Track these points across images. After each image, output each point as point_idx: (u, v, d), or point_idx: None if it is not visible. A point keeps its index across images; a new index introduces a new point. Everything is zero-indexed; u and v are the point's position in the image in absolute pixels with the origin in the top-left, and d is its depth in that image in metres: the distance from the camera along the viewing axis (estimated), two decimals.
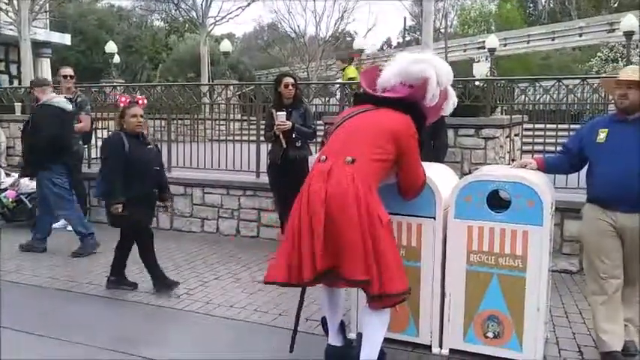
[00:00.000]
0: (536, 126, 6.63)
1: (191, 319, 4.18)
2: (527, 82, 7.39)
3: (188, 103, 8.13)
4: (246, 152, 7.11)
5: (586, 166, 3.58)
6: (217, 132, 8.83)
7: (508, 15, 39.82)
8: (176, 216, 7.12)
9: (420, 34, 13.03)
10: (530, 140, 6.45)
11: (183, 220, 7.09)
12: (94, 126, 7.68)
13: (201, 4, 23.83)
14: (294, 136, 5.42)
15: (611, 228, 3.33)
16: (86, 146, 7.55)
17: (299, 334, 3.85)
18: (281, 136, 5.34)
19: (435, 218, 3.43)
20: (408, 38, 34.75)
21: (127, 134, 4.65)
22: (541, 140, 6.18)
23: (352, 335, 3.63)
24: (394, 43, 45.08)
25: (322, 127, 6.36)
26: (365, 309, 3.14)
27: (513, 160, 5.94)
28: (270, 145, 5.75)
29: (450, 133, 6.06)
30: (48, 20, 21.05)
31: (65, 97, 7.00)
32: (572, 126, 7.09)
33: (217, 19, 24.10)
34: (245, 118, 9.66)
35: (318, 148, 6.08)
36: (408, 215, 3.46)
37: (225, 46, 20.36)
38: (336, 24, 29.11)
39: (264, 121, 6.03)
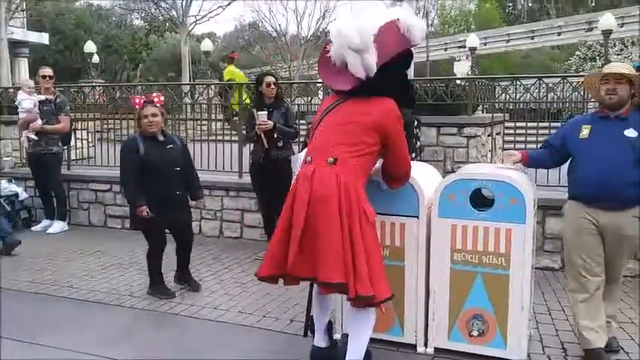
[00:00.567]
0: (518, 124, 6.70)
1: (175, 322, 4.13)
2: (507, 80, 7.43)
3: (169, 103, 8.05)
4: (228, 152, 7.06)
5: (567, 163, 3.59)
6: (199, 132, 8.78)
7: (487, 14, 40.17)
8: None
9: None
10: (511, 138, 6.51)
11: None
12: (73, 127, 7.58)
13: (182, 3, 23.65)
14: (275, 135, 5.39)
15: (593, 226, 3.32)
16: (65, 147, 7.45)
17: (284, 335, 3.85)
18: (262, 135, 5.31)
19: (418, 217, 3.43)
20: None
21: (144, 136, 4.56)
22: (522, 138, 6.23)
23: (337, 336, 3.62)
24: None
25: (305, 127, 6.34)
26: (350, 309, 3.13)
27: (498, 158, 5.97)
28: (252, 145, 5.72)
29: (433, 131, 6.08)
30: (25, 19, 20.75)
31: (45, 98, 6.93)
32: (552, 124, 7.18)
33: (198, 18, 23.94)
34: (227, 117, 9.60)
35: (300, 147, 6.06)
36: (392, 215, 3.45)
37: (206, 45, 20.19)
38: (317, 23, 29.08)
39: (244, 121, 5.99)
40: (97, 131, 9.00)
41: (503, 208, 3.30)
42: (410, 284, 3.49)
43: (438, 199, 3.42)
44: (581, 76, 3.69)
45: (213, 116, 9.61)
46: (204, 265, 5.58)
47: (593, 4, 35.84)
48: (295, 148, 5.99)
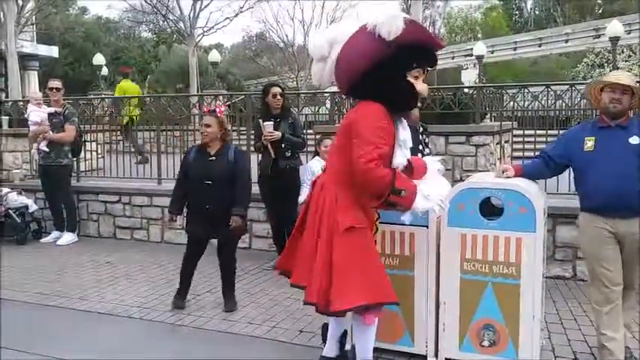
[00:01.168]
0: (526, 132, 6.66)
1: (183, 333, 4.12)
2: (515, 88, 7.42)
3: (177, 114, 8.10)
4: None
5: (567, 171, 3.56)
6: None
7: (494, 22, 40.17)
8: (167, 228, 7.05)
9: None
10: (520, 146, 6.47)
11: (174, 233, 7.02)
12: (83, 138, 7.62)
13: (189, 15, 23.83)
14: (283, 146, 5.40)
15: (611, 235, 3.30)
16: (75, 159, 7.49)
17: (293, 346, 3.83)
18: (269, 146, 5.32)
19: (427, 227, 3.41)
20: None
21: (200, 146, 4.58)
22: (531, 146, 6.20)
23: (347, 347, 3.60)
24: None
25: (313, 137, 6.35)
26: (353, 319, 3.16)
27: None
28: (260, 155, 5.73)
29: (441, 140, 6.07)
30: (35, 33, 20.98)
31: (55, 110, 6.99)
32: (561, 131, 7.12)
33: (205, 29, 24.10)
34: (235, 128, 9.63)
35: (309, 157, 6.06)
36: (401, 224, 3.43)
37: (214, 56, 20.37)
38: None
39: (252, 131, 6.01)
40: (107, 143, 9.06)
41: (512, 217, 3.27)
42: (420, 294, 3.47)
43: (447, 209, 3.40)
44: (589, 83, 3.65)
45: None
46: (212, 275, 5.56)
47: (600, 11, 35.77)
48: (303, 158, 6.00)
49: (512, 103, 7.12)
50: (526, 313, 3.28)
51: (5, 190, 7.20)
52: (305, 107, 8.33)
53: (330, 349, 3.41)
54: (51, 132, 6.92)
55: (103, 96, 12.46)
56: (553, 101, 6.86)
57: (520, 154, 6.45)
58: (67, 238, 7.02)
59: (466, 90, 7.65)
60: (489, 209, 3.44)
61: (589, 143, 3.36)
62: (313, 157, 5.81)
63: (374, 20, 2.91)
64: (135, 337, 4.08)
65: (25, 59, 19.60)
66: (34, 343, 3.90)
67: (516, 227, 3.27)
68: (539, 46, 28.33)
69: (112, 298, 4.89)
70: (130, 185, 7.43)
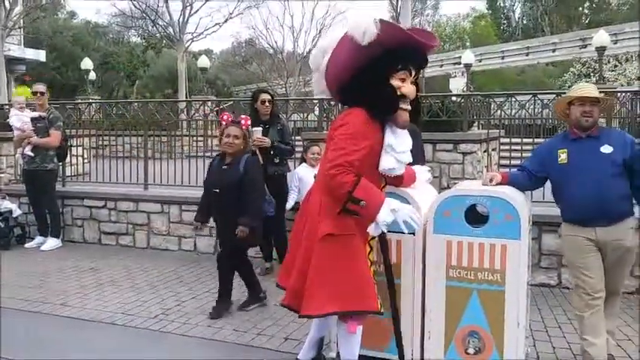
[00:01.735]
0: (513, 140, 6.69)
1: (167, 340, 4.08)
2: (503, 97, 7.47)
3: (165, 120, 8.06)
4: None
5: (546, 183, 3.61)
6: (195, 148, 8.77)
7: (482, 31, 40.52)
8: (153, 234, 7.01)
9: None
10: (507, 154, 6.50)
11: (160, 239, 6.98)
12: (68, 143, 7.56)
13: (179, 21, 23.81)
14: (272, 152, 5.39)
15: (592, 243, 3.35)
16: (61, 164, 7.42)
17: (278, 354, 3.80)
18: (258, 152, 5.30)
19: (414, 234, 3.41)
20: None
21: (221, 155, 4.58)
22: (518, 154, 6.24)
23: (332, 355, 3.58)
24: None
25: (301, 143, 6.34)
26: (337, 326, 3.18)
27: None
28: None
29: (429, 147, 6.09)
30: (22, 37, 20.85)
31: (39, 115, 6.93)
32: (547, 139, 7.17)
33: (195, 35, 24.10)
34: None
35: (297, 164, 6.05)
36: (388, 231, 3.42)
37: (203, 62, 20.31)
38: (313, 40, 29.25)
39: None
40: (93, 147, 8.99)
41: (498, 225, 3.28)
42: (406, 301, 3.45)
43: (433, 215, 3.41)
44: (557, 100, 3.74)
45: (209, 132, 9.59)
46: (198, 282, 5.53)
47: (587, 21, 36.21)
48: (291, 164, 6.00)
49: (499, 111, 7.17)
50: (511, 320, 3.28)
51: None
52: (293, 114, 8.33)
53: (306, 352, 3.44)
54: (35, 136, 6.85)
55: (90, 100, 12.36)
56: (540, 110, 6.91)
57: (507, 162, 6.49)
58: (51, 243, 6.95)
59: (454, 98, 7.68)
60: (475, 216, 3.45)
61: (562, 156, 3.42)
62: (300, 163, 5.80)
63: (349, 26, 2.92)
64: (118, 343, 4.03)
65: (11, 63, 19.48)
66: (15, 349, 3.83)
67: (501, 234, 3.27)
68: (527, 55, 28.63)
69: (96, 304, 4.83)
70: (115, 190, 7.38)
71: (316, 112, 8.46)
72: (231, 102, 8.41)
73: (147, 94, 27.27)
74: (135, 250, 6.99)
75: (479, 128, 8.49)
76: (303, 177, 5.56)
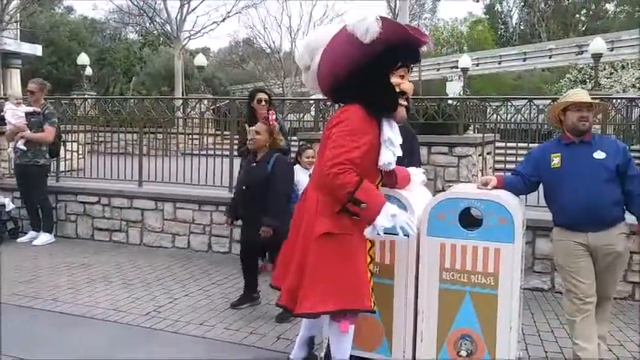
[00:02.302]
0: (508, 144, 6.71)
1: (159, 338, 4.06)
2: (499, 101, 7.49)
3: (161, 117, 8.04)
4: (219, 167, 7.03)
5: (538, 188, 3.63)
6: (190, 146, 8.76)
7: (479, 36, 40.62)
8: (146, 231, 6.99)
9: None
10: (502, 158, 6.52)
11: (153, 236, 6.96)
12: (62, 139, 7.53)
13: (176, 18, 23.77)
14: None
15: (583, 248, 3.36)
16: (54, 159, 7.39)
17: (270, 353, 3.80)
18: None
19: (408, 235, 3.40)
20: None
21: (253, 152, 4.59)
22: (513, 159, 6.25)
23: (322, 354, 3.58)
24: None
25: (297, 143, 6.33)
26: (329, 325, 3.14)
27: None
28: (243, 160, 5.69)
29: (424, 150, 6.08)
30: (18, 31, 20.76)
31: (33, 110, 6.90)
32: (541, 144, 7.19)
33: (192, 33, 24.05)
34: (219, 132, 9.60)
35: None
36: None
37: (200, 60, 20.28)
38: None
39: (237, 136, 5.98)
40: (88, 143, 8.96)
41: (492, 228, 3.28)
42: (399, 303, 3.45)
43: (427, 218, 3.41)
44: (551, 106, 3.78)
45: (205, 130, 9.59)
46: (191, 279, 5.52)
47: (584, 28, 36.35)
48: None
49: (495, 115, 7.18)
50: (503, 323, 3.28)
51: None
52: (290, 114, 8.32)
53: (297, 352, 3.45)
54: (29, 131, 6.82)
55: (86, 96, 12.31)
56: (535, 115, 6.93)
57: (502, 166, 6.50)
58: (44, 238, 6.92)
59: (450, 101, 7.69)
60: (469, 220, 3.45)
61: (555, 160, 3.44)
62: (293, 165, 5.78)
63: (350, 23, 2.88)
64: (110, 340, 4.01)
65: (7, 57, 19.39)
66: (5, 344, 3.81)
67: (495, 238, 3.28)
68: (524, 60, 28.70)
69: (87, 300, 4.81)
70: (110, 186, 7.35)
71: (312, 113, 8.46)
72: (228, 100, 8.39)
73: (143, 91, 27.19)
74: (128, 246, 6.97)
75: (474, 132, 8.51)
76: (300, 181, 5.45)
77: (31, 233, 7.05)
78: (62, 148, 7.60)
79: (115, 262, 6.09)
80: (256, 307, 4.67)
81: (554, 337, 4.19)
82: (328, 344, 3.45)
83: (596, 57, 15.17)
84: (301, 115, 8.63)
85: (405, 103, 3.05)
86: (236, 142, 6.34)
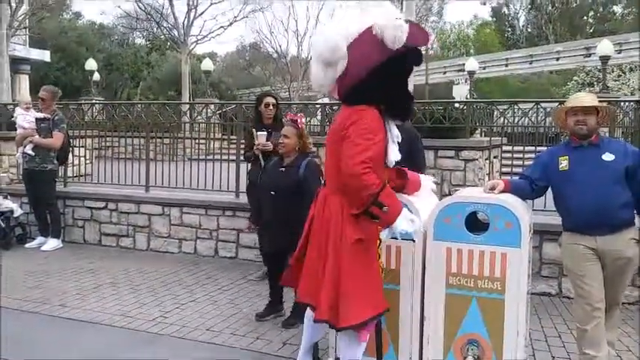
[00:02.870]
0: (515, 148, 6.69)
1: (165, 343, 4.07)
2: (506, 104, 7.47)
3: (168, 122, 8.07)
4: (225, 172, 7.04)
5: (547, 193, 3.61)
6: (197, 151, 8.78)
7: (486, 39, 40.52)
8: (153, 236, 7.00)
9: None
10: (509, 162, 6.49)
11: (160, 241, 6.97)
12: (71, 144, 7.56)
13: (183, 23, 23.87)
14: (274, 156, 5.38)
15: (592, 252, 3.33)
16: (62, 165, 7.42)
17: (276, 359, 3.79)
18: (260, 156, 5.30)
19: (414, 240, 3.40)
20: None
21: (280, 156, 4.45)
22: (520, 162, 6.23)
23: None
24: None
25: None
26: (344, 334, 3.11)
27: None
28: (249, 165, 5.71)
29: (430, 154, 6.07)
30: (27, 36, 20.91)
31: (44, 116, 6.95)
32: (549, 147, 7.16)
33: (199, 38, 24.14)
34: (225, 137, 9.62)
35: None
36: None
37: (207, 65, 20.37)
38: None
39: (244, 141, 5.99)
40: (95, 148, 9.01)
41: (498, 232, 3.27)
42: (405, 308, 3.44)
43: (433, 222, 3.39)
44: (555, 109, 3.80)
45: (211, 135, 9.62)
46: (198, 285, 5.52)
47: (591, 30, 36.21)
48: None
49: (502, 119, 7.16)
50: (510, 328, 3.26)
51: None
52: None
53: (302, 358, 3.44)
54: (37, 136, 6.86)
55: (94, 101, 12.38)
56: (543, 118, 6.90)
57: (509, 169, 6.48)
58: (52, 244, 6.95)
59: (457, 105, 7.68)
60: (476, 224, 3.44)
61: (563, 163, 3.42)
62: None
63: (378, 25, 2.83)
64: (117, 345, 4.02)
65: (16, 62, 19.52)
66: (10, 350, 3.82)
67: (502, 242, 3.26)
68: (531, 63, 28.61)
69: (95, 306, 4.82)
70: (117, 192, 7.38)
71: (319, 117, 8.46)
72: (235, 105, 8.42)
73: (150, 95, 27.31)
74: (135, 252, 6.99)
75: (481, 135, 8.48)
76: None
77: (39, 239, 7.08)
78: (70, 153, 7.63)
79: (122, 268, 6.11)
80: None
81: (561, 343, 4.16)
82: (335, 352, 3.44)
83: (604, 59, 15.11)
84: (308, 119, 8.64)
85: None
86: (242, 146, 6.34)
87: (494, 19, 43.41)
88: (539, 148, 6.86)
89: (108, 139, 9.14)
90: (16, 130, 7.17)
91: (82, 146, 8.40)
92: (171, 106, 8.60)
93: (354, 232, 2.91)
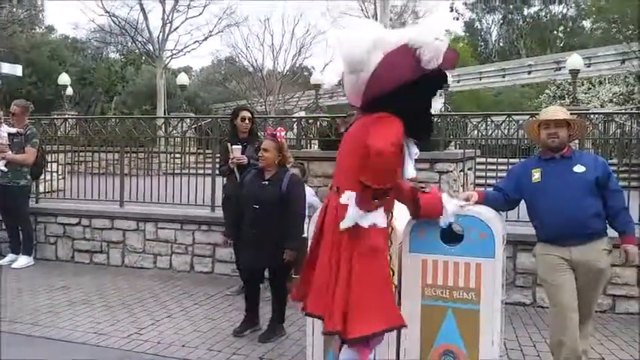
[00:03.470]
0: (489, 160, 6.78)
1: None
2: (479, 117, 7.58)
3: (143, 136, 8.00)
4: (201, 186, 7.00)
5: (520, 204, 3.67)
6: (172, 165, 8.72)
7: (460, 53, 41.06)
8: (128, 252, 6.91)
9: None
10: (483, 174, 6.58)
11: (135, 256, 6.88)
12: (45, 160, 7.44)
13: (158, 37, 23.78)
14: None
15: (565, 263, 3.37)
16: (34, 181, 7.30)
17: None
18: (235, 169, 5.29)
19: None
20: None
21: (259, 169, 4.41)
22: (493, 174, 6.31)
23: None
24: None
25: None
26: (348, 348, 3.02)
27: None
28: (225, 179, 5.69)
29: None
30: None
31: (16, 131, 6.83)
32: (522, 160, 7.27)
33: (174, 52, 24.06)
34: (201, 151, 9.58)
35: None
36: None
37: (182, 79, 20.27)
38: (293, 59, 29.41)
39: (219, 155, 5.97)
40: (68, 163, 8.88)
41: (472, 243, 3.31)
42: None
43: (408, 235, 3.42)
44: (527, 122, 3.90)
45: (186, 149, 9.57)
46: (173, 300, 5.46)
47: (562, 44, 36.98)
48: None
49: (475, 131, 7.26)
50: (485, 338, 3.29)
51: None
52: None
53: None
54: (10, 152, 6.74)
55: (67, 116, 12.23)
56: (515, 130, 7.02)
57: (483, 181, 6.57)
58: (23, 261, 6.80)
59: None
60: (450, 235, 3.47)
61: (536, 175, 3.48)
62: None
63: (416, 42, 2.81)
64: None
65: None
66: None
67: (476, 253, 3.30)
68: (504, 76, 29.08)
69: (68, 323, 4.73)
70: (90, 207, 7.28)
71: (295, 131, 8.48)
72: (210, 119, 8.39)
73: (125, 110, 27.05)
74: (109, 268, 6.89)
75: (455, 148, 8.59)
76: (313, 203, 5.27)
77: (10, 256, 6.92)
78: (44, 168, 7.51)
79: (95, 284, 6.01)
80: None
81: (536, 351, 4.20)
82: None
83: (574, 73, 15.42)
84: (284, 133, 8.65)
85: None
86: (218, 160, 6.32)
87: (467, 33, 44.09)
88: (512, 160, 6.98)
89: (81, 154, 9.02)
90: None
91: (55, 161, 8.27)
92: (146, 121, 8.53)
93: (368, 241, 2.88)
